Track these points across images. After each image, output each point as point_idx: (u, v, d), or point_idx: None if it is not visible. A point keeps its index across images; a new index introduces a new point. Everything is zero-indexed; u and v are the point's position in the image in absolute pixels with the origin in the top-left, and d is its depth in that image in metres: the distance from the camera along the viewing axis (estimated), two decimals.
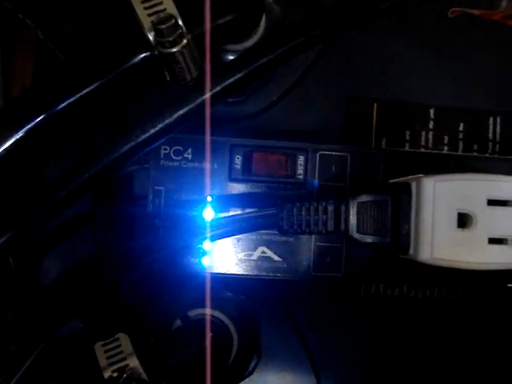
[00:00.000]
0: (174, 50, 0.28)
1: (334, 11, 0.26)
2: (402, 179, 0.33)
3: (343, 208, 0.32)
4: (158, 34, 0.28)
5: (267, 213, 0.32)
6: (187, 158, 0.35)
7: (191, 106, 0.26)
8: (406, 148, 0.42)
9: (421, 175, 0.31)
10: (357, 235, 0.32)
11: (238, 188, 0.36)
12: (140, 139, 0.26)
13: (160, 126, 0.26)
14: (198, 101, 0.26)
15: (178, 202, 0.35)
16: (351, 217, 0.32)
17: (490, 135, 0.43)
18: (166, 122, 0.26)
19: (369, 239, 0.32)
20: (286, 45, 0.27)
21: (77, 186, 0.26)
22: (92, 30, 0.41)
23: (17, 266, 0.39)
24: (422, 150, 0.42)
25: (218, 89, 0.26)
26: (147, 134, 0.26)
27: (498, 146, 0.43)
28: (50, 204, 0.26)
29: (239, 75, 0.26)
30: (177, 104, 0.26)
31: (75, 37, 0.38)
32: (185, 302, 0.36)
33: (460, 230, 0.31)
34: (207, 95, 0.27)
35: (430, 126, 0.43)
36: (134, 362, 0.30)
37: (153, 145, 0.26)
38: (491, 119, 0.43)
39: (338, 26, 0.26)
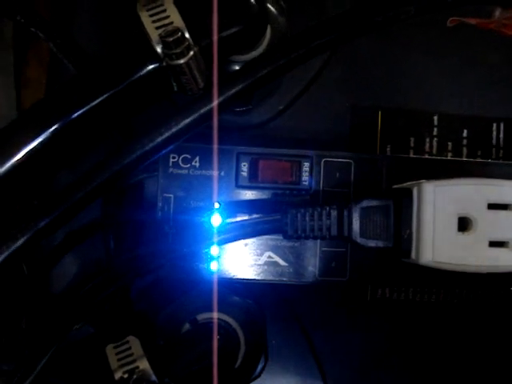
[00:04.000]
0: (181, 61, 0.29)
1: (333, 24, 0.27)
2: (403, 185, 0.34)
3: (346, 213, 0.33)
4: (166, 46, 0.29)
5: (272, 218, 0.33)
6: (195, 165, 0.36)
7: (196, 115, 0.27)
8: (411, 155, 0.43)
9: (422, 181, 0.32)
10: (360, 240, 0.33)
11: (244, 194, 0.37)
12: (147, 147, 0.27)
13: (167, 134, 0.27)
14: (203, 110, 0.27)
15: (187, 208, 0.36)
16: (354, 222, 0.33)
17: (494, 141, 0.44)
18: (173, 130, 0.27)
19: (371, 243, 0.33)
20: (287, 56, 0.27)
21: (87, 193, 0.26)
22: (102, 42, 0.42)
23: (29, 273, 0.39)
24: (427, 156, 0.43)
25: (222, 98, 0.27)
26: (154, 143, 0.27)
27: (501, 151, 0.44)
28: (61, 211, 0.27)
29: (242, 85, 0.27)
30: (182, 113, 0.27)
31: (86, 49, 0.39)
32: (193, 306, 0.37)
33: (460, 233, 0.31)
34: (214, 104, 0.27)
35: (435, 132, 0.43)
36: (144, 364, 0.31)
37: (160, 153, 0.27)
38: (494, 125, 0.44)
39: (337, 38, 0.27)
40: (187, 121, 0.27)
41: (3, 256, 0.27)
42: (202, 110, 0.27)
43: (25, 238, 0.27)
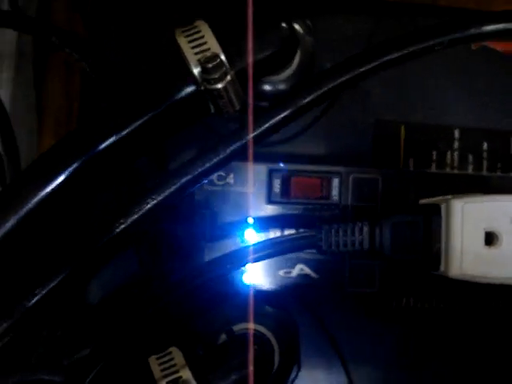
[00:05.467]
0: (219, 86, 0.30)
1: (378, 51, 0.29)
2: (432, 200, 0.35)
3: (378, 228, 0.34)
4: (204, 71, 0.30)
5: (306, 234, 0.34)
6: (229, 182, 0.38)
7: (244, 141, 0.28)
8: (433, 167, 0.44)
9: (449, 196, 0.33)
10: (391, 253, 0.34)
11: (277, 210, 0.38)
12: (197, 172, 0.28)
13: (215, 160, 0.28)
14: (249, 137, 0.28)
15: (222, 224, 0.37)
16: (385, 236, 0.34)
17: None
18: (221, 156, 0.28)
19: (402, 257, 0.34)
20: (334, 81, 0.29)
21: (139, 217, 0.28)
22: (137, 64, 0.43)
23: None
24: (448, 169, 0.44)
25: (267, 125, 0.29)
26: (204, 167, 0.28)
27: None
28: (114, 236, 0.28)
29: (288, 112, 0.29)
30: (230, 140, 0.28)
31: (120, 70, 0.40)
32: (228, 317, 0.38)
33: (487, 247, 0.33)
34: (250, 136, 0.29)
35: (455, 146, 0.44)
36: (186, 374, 0.32)
37: (209, 176, 0.29)
38: None
39: (381, 65, 0.28)
40: (235, 146, 0.28)
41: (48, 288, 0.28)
42: (249, 137, 0.28)
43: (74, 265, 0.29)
